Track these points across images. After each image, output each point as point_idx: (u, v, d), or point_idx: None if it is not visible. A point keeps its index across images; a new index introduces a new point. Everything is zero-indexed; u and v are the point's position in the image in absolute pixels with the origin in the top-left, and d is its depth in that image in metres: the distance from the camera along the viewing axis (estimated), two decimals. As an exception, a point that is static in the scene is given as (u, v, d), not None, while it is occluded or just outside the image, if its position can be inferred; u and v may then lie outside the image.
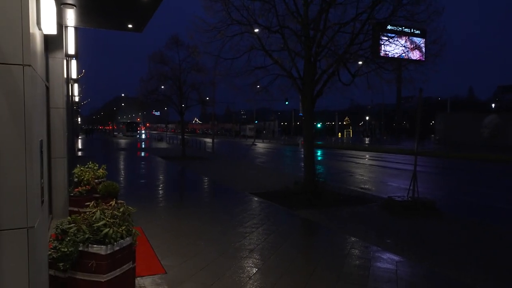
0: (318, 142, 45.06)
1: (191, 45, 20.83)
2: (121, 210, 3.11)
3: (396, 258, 5.38)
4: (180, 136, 26.56)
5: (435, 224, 7.61)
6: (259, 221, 7.28)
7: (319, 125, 68.03)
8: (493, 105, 75.84)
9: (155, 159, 21.90)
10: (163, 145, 41.10)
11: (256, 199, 9.65)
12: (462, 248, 6.10)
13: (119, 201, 3.40)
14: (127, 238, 3.02)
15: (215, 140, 32.37)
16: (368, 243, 6.06)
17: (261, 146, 43.21)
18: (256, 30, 10.29)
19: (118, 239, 2.93)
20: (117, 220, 3.02)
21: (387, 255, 5.50)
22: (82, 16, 6.33)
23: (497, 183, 14.70)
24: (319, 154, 30.04)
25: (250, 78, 10.89)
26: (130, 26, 6.80)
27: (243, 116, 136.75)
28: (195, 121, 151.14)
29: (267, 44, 10.34)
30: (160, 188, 11.38)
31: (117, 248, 2.92)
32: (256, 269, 4.77)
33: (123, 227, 3.00)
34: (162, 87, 23.78)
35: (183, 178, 14.65)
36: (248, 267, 4.85)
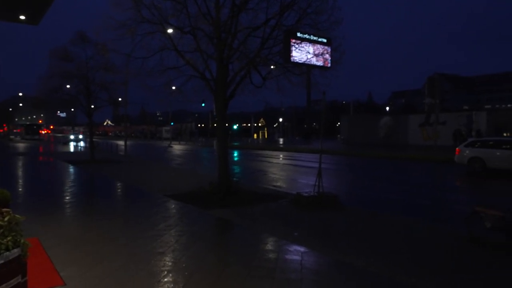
0: (235, 143, 45.70)
1: (99, 42, 19.58)
2: (6, 219, 2.83)
3: (302, 249, 5.76)
4: (89, 139, 24.73)
5: (337, 216, 8.27)
6: (172, 223, 7.18)
7: (235, 127, 69.04)
8: (387, 108, 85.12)
9: (60, 164, 20.09)
10: (69, 148, 37.82)
11: (170, 201, 9.47)
12: (359, 236, 6.76)
13: (4, 209, 3.09)
14: (14, 250, 2.76)
15: (129, 142, 30.83)
16: (277, 237, 6.37)
17: (177, 148, 42.31)
18: (170, 31, 10.11)
19: (3, 251, 2.66)
20: (1, 230, 2.75)
21: (294, 247, 5.86)
22: (-39, 3, 5.57)
23: (391, 177, 16.53)
24: (235, 154, 30.51)
25: (162, 78, 10.65)
26: (22, 17, 6.17)
27: (159, 118, 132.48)
28: (107, 123, 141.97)
29: (180, 44, 10.23)
30: (64, 195, 10.49)
31: (1, 261, 2.66)
32: (166, 271, 4.71)
33: (8, 238, 2.73)
34: (68, 86, 21.91)
35: (91, 183, 13.70)
36: (157, 270, 4.77)
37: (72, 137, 58.72)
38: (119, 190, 11.92)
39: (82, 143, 46.31)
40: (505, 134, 27.98)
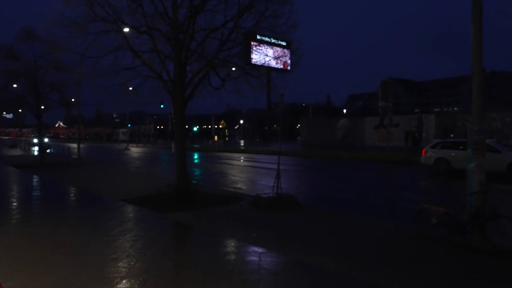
0: (195, 145, 45.24)
1: (49, 39, 18.57)
2: None
3: (259, 250, 5.80)
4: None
5: (295, 216, 8.39)
6: (127, 228, 6.96)
7: (195, 129, 68.35)
8: (344, 110, 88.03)
9: (5, 169, 18.82)
10: (16, 152, 35.55)
11: (126, 205, 9.18)
12: (317, 236, 6.90)
13: None
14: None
15: (83, 145, 29.54)
16: (235, 239, 6.37)
17: (135, 150, 41.12)
18: (126, 30, 9.83)
19: None
20: None
21: (251, 248, 5.88)
22: None
23: (348, 177, 17.08)
24: (195, 157, 30.18)
25: (118, 78, 10.33)
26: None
27: (115, 120, 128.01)
28: (59, 124, 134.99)
29: (136, 44, 9.95)
30: (10, 202, 9.84)
31: None
32: (119, 278, 4.56)
33: None
34: (15, 85, 20.61)
35: (40, 189, 12.96)
36: (110, 277, 4.60)
37: (35, 140, 49.10)
38: (71, 196, 11.38)
39: (35, 147, 43.30)
40: (451, 135, 29.77)
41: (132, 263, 5.08)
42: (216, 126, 74.11)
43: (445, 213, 6.25)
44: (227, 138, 68.75)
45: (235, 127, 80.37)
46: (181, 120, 10.06)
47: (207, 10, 9.93)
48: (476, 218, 5.94)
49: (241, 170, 19.70)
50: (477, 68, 6.28)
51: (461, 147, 16.07)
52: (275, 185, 9.54)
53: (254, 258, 5.44)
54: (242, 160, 26.28)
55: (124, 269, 4.85)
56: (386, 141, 29.31)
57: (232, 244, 6.15)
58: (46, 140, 45.11)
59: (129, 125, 60.06)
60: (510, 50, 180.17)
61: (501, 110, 28.64)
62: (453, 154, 16.24)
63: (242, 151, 36.64)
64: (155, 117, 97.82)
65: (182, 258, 5.54)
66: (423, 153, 17.56)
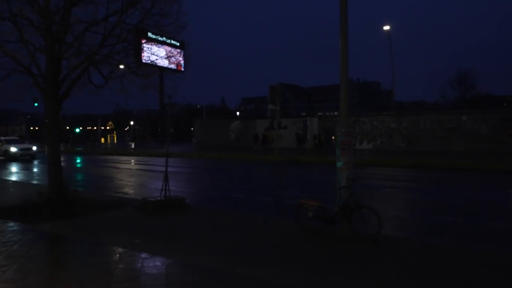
0: (78, 148, 41.37)
1: None
2: None
3: (143, 255, 5.58)
4: None
5: (183, 218, 8.30)
6: (-17, 245, 5.98)
7: (77, 130, 62.47)
8: (238, 113, 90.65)
9: None
10: None
11: (-17, 219, 7.87)
12: (203, 236, 6.92)
13: None
14: None
15: None
16: (116, 246, 6.01)
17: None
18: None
19: None
20: None
21: (135, 255, 5.62)
22: None
23: (239, 178, 17.56)
24: (79, 161, 27.58)
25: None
26: None
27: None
28: None
29: (-1, 32, 8.65)
30: None
31: None
32: (-32, 303, 3.89)
33: None
34: None
35: None
36: (-45, 303, 3.89)
37: (13, 149, 27.97)
38: None
39: None
40: (333, 138, 32.95)
41: (-14, 285, 4.38)
42: (103, 127, 68.72)
43: (319, 207, 6.90)
44: (115, 140, 64.38)
45: (125, 129, 75.74)
46: (54, 120, 9.07)
47: (87, 2, 9.17)
48: (344, 209, 6.70)
49: (129, 173, 18.67)
50: (343, 77, 7.08)
51: None
52: (163, 187, 9.29)
53: (137, 264, 5.22)
54: (131, 163, 24.93)
55: (-26, 293, 4.16)
56: (275, 142, 31.04)
57: (114, 252, 5.79)
58: (34, 148, 27.76)
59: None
60: (376, 63, 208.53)
61: (370, 115, 32.93)
62: None
63: (132, 154, 34.75)
64: (29, 117, 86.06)
65: (52, 272, 4.99)
66: None
